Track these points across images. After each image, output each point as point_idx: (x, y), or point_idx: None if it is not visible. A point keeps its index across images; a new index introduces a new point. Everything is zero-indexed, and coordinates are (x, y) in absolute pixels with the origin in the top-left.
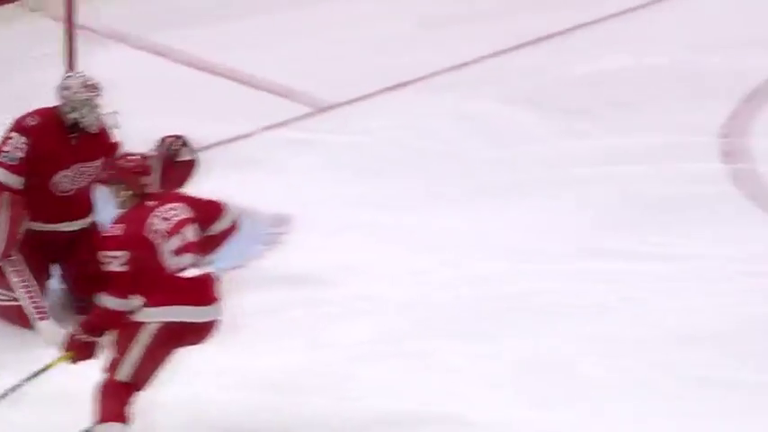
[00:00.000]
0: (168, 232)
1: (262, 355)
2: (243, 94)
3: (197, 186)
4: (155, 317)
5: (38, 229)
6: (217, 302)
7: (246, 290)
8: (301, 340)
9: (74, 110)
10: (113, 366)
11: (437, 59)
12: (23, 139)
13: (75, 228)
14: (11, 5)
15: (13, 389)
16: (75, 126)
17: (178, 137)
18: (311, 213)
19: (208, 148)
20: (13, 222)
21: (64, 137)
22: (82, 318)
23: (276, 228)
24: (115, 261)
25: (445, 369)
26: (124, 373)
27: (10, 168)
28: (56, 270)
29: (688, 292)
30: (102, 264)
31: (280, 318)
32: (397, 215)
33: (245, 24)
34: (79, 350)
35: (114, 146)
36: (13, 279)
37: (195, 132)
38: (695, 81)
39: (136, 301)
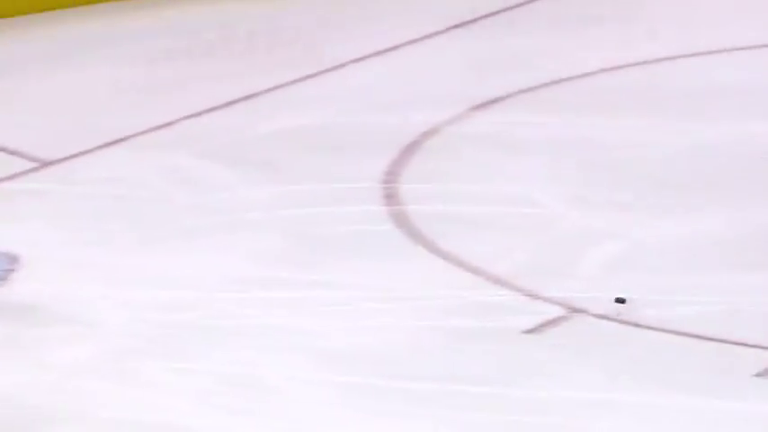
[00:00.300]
0: None
1: None
2: None
3: None
4: None
5: None
6: None
7: None
8: (29, 361)
9: None
10: None
11: (141, 121)
12: None
13: None
14: None
15: None
16: None
17: None
18: (37, 254)
19: None
20: None
21: None
22: None
23: (6, 265)
24: None
25: (157, 383)
26: None
27: None
28: None
29: (354, 315)
30: None
31: (8, 343)
32: (113, 255)
33: None
34: None
35: None
36: None
37: None
38: (364, 135)
39: None
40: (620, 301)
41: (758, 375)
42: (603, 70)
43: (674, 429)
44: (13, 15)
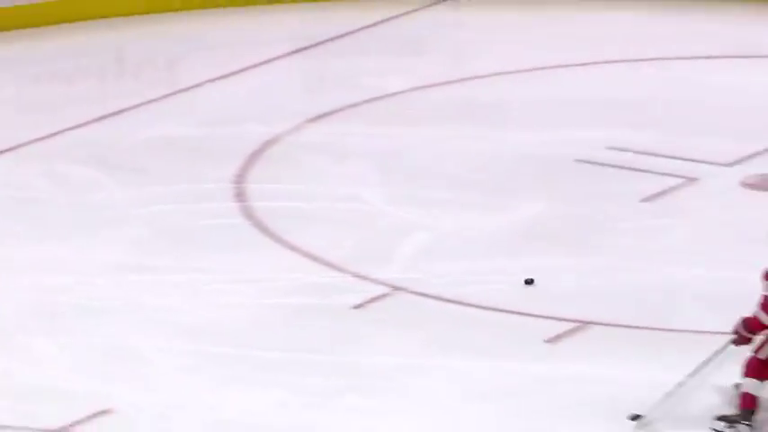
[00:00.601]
0: None
1: None
2: None
3: None
4: None
5: None
6: None
7: None
8: None
9: None
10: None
11: (29, 133)
12: None
13: None
14: None
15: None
16: None
17: None
18: None
19: None
20: None
21: None
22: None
23: None
24: None
25: (45, 355)
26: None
27: None
28: None
29: (210, 294)
30: None
31: None
32: (4, 247)
33: None
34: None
35: None
36: None
37: None
38: (217, 143)
39: None
40: (529, 281)
41: (548, 342)
42: (416, 89)
43: (479, 389)
44: None
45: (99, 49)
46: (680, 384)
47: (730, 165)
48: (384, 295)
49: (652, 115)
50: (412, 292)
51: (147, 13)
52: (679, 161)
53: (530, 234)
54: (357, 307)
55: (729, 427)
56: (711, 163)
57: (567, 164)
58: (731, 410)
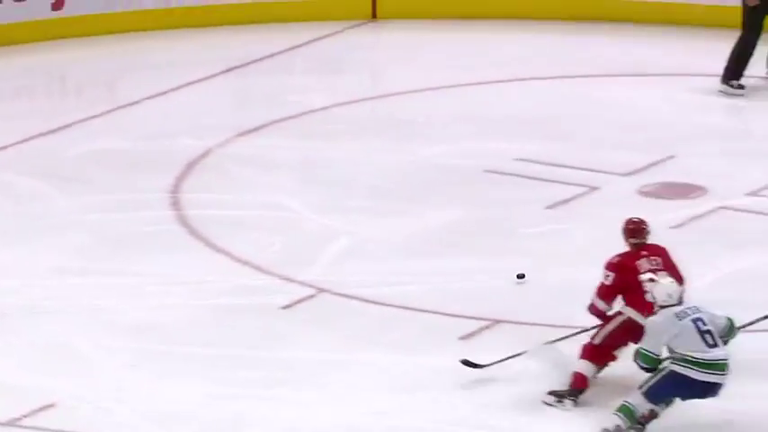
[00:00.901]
0: None
1: None
2: None
3: None
4: None
5: None
6: None
7: None
8: None
9: None
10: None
11: None
12: None
13: None
14: None
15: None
16: None
17: None
18: None
19: None
20: None
21: None
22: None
23: None
24: None
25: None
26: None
27: None
28: None
29: (147, 296)
30: None
31: None
32: None
33: None
34: None
35: None
36: None
37: None
38: (154, 156)
39: None
40: (521, 276)
41: (461, 338)
42: (338, 105)
43: (398, 382)
44: None
45: (43, 70)
46: (522, 352)
47: (628, 174)
48: (309, 296)
49: (556, 129)
50: (335, 293)
51: (88, 35)
52: (581, 171)
53: (444, 239)
54: (284, 307)
55: (557, 401)
56: (611, 173)
57: (477, 174)
58: (564, 387)
